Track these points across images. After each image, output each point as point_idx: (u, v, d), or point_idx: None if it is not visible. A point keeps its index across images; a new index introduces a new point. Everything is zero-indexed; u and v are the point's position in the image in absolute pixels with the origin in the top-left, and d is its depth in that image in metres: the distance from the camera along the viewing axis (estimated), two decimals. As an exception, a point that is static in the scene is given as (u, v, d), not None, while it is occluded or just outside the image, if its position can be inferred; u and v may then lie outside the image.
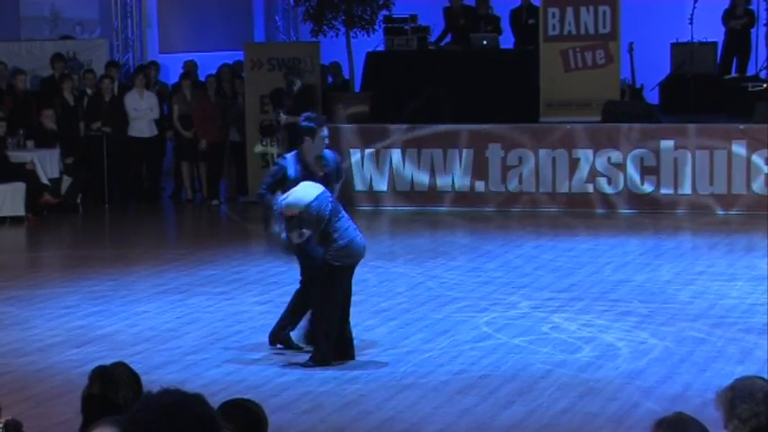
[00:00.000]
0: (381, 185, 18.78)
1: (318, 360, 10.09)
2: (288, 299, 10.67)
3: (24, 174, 18.08)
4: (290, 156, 10.59)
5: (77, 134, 19.69)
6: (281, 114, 18.02)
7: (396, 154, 18.71)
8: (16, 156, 18.35)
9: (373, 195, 18.81)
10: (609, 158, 18.03)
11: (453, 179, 18.55)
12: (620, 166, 17.98)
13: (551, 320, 11.56)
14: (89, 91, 20.07)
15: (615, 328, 11.21)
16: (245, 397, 5.25)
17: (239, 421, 4.74)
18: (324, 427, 8.71)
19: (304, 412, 8.96)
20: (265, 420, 4.90)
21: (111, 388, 5.26)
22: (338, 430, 8.65)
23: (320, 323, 10.09)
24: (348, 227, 10.05)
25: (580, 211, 18.00)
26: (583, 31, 19.05)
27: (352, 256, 10.03)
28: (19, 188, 17.87)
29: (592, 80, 18.94)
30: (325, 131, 10.52)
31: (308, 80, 18.76)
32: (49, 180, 18.52)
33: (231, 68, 21.08)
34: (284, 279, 12.60)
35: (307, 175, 10.32)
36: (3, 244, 17.15)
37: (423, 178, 18.64)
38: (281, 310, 10.73)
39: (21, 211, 17.88)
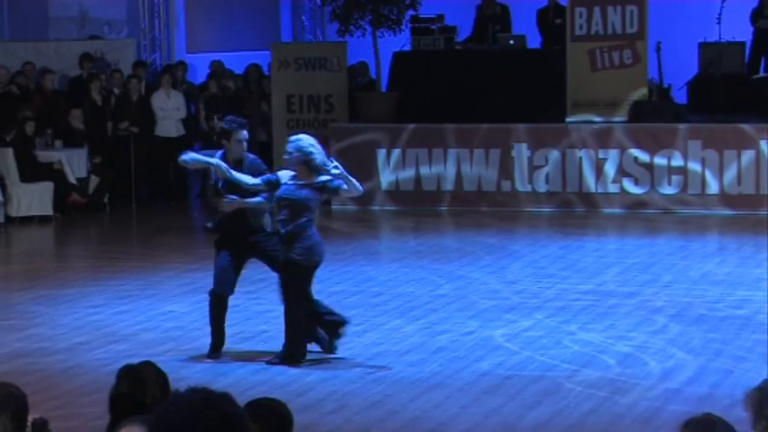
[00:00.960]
0: (407, 185, 18.74)
1: (289, 358, 10.15)
2: (315, 297, 10.64)
3: (52, 173, 18.15)
4: (218, 154, 10.52)
5: (105, 134, 19.74)
6: (216, 120, 17.90)
7: (422, 153, 18.67)
8: (44, 155, 18.42)
9: (399, 195, 18.77)
10: (636, 159, 17.97)
11: (479, 179, 18.51)
12: (648, 166, 17.91)
13: (577, 321, 11.53)
14: (116, 91, 20.12)
15: (642, 329, 11.18)
16: (271, 396, 5.25)
17: (265, 421, 4.74)
18: (349, 426, 8.71)
19: (330, 412, 8.97)
20: (291, 420, 4.90)
21: (139, 387, 5.27)
22: (364, 430, 8.65)
23: (296, 323, 10.15)
24: (316, 231, 10.18)
25: (607, 212, 17.96)
26: (610, 31, 18.98)
27: (319, 255, 10.12)
28: (47, 188, 17.95)
29: (619, 80, 18.86)
30: (242, 134, 10.35)
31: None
32: (77, 180, 18.58)
33: (258, 68, 21.10)
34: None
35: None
36: (31, 243, 17.23)
37: (448, 178, 18.60)
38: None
39: (49, 211, 17.95)
